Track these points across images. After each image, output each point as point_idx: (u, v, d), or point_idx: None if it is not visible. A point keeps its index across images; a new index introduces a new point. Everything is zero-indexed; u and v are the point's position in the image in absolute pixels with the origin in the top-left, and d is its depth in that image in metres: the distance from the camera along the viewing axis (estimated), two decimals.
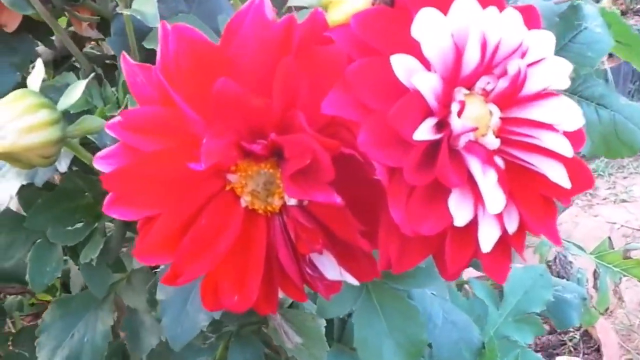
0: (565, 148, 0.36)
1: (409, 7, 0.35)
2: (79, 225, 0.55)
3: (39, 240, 0.57)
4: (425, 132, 0.33)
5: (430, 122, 0.34)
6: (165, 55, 0.36)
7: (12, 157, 0.40)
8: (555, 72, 0.37)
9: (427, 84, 0.33)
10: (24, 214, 0.57)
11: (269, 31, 0.35)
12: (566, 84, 0.37)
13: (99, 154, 0.38)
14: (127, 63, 0.38)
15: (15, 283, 0.77)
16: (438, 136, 0.34)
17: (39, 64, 0.42)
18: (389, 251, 0.35)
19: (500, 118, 0.36)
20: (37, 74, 0.42)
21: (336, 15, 0.38)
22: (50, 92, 0.51)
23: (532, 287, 0.99)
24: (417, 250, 0.35)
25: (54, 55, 0.62)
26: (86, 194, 0.54)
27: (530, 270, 1.01)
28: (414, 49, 0.34)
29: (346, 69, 0.34)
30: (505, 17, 0.36)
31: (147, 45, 0.48)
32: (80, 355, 0.65)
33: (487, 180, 0.34)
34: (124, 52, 0.38)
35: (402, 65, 0.33)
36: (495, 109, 0.36)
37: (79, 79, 0.52)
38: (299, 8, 0.42)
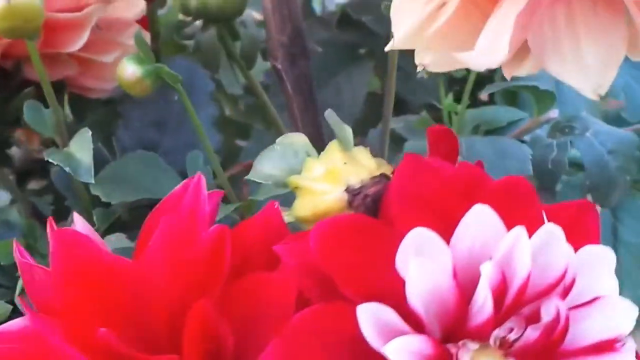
0: None
1: (396, 221, 0.25)
2: None
3: None
4: None
5: None
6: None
7: None
8: (614, 317, 0.26)
9: (409, 353, 0.23)
10: None
11: (192, 248, 0.25)
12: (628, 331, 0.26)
13: None
14: (22, 256, 0.29)
15: None
16: None
17: None
18: None
19: None
20: None
21: (303, 210, 0.28)
22: None
23: None
24: None
25: None
26: None
27: None
28: (397, 288, 0.24)
29: (293, 316, 0.24)
30: (540, 238, 0.25)
31: (94, 190, 0.38)
32: None
33: None
34: (16, 241, 0.29)
35: (374, 319, 0.23)
36: None
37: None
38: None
